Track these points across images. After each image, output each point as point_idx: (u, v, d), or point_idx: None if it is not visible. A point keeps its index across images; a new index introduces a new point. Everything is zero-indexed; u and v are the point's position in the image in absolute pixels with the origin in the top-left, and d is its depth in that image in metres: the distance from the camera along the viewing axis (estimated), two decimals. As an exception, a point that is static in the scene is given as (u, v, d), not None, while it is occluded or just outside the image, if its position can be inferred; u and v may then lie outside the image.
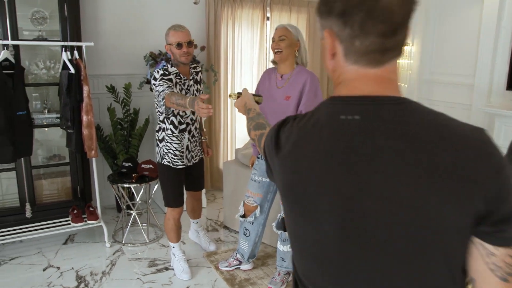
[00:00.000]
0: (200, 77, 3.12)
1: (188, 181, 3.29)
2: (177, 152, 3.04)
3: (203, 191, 3.93)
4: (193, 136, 3.11)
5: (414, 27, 4.50)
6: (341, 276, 0.90)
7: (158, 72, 2.86)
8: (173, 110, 2.92)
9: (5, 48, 3.31)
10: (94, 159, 3.66)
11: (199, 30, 4.76)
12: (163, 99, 2.67)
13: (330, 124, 0.88)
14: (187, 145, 3.08)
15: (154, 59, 4.33)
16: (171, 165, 3.05)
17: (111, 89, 4.21)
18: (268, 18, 5.17)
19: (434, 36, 4.44)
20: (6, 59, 3.24)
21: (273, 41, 2.83)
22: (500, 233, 0.79)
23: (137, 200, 3.87)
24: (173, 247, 3.29)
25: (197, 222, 3.68)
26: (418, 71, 4.50)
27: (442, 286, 0.83)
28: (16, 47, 3.48)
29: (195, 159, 3.20)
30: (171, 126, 3.00)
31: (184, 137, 3.04)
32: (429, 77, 4.48)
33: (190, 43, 2.88)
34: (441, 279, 0.83)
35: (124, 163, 3.86)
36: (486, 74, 4.29)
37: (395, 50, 0.85)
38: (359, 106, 0.85)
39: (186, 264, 3.26)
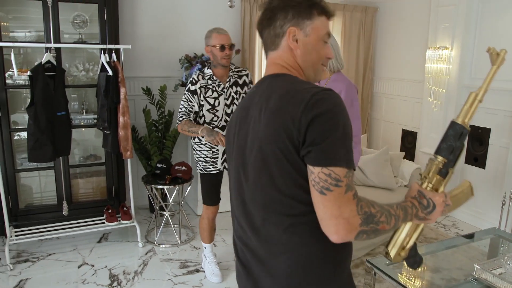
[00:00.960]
0: (244, 80, 3.07)
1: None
2: (207, 159, 3.06)
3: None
4: None
5: (453, 30, 4.37)
6: (232, 203, 1.36)
7: (192, 76, 2.98)
8: (203, 119, 3.00)
9: (48, 51, 3.41)
10: (128, 159, 3.72)
11: (234, 33, 4.78)
12: (178, 122, 3.00)
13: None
14: (223, 150, 3.06)
15: (189, 62, 4.37)
16: (204, 172, 3.08)
17: (147, 91, 4.27)
18: (303, 22, 5.12)
19: (475, 39, 4.30)
20: (48, 62, 3.34)
21: None
22: (310, 154, 1.06)
23: (170, 201, 3.91)
24: (205, 248, 3.29)
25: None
26: (458, 76, 4.36)
27: (291, 192, 1.13)
28: (57, 50, 3.58)
29: None
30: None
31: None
32: (469, 83, 4.33)
33: (232, 46, 2.91)
34: (288, 188, 1.13)
35: (158, 165, 3.91)
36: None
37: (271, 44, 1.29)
38: (258, 82, 1.31)
39: (217, 267, 3.26)
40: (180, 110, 2.99)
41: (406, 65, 5.22)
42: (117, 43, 3.81)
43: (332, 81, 2.71)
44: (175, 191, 3.86)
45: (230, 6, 4.16)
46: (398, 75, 5.35)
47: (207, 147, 3.04)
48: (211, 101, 2.96)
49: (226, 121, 3.03)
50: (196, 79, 2.96)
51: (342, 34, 5.32)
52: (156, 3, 4.45)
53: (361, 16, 5.43)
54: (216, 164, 3.08)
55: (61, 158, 3.71)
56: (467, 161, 4.48)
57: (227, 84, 3.01)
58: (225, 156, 3.05)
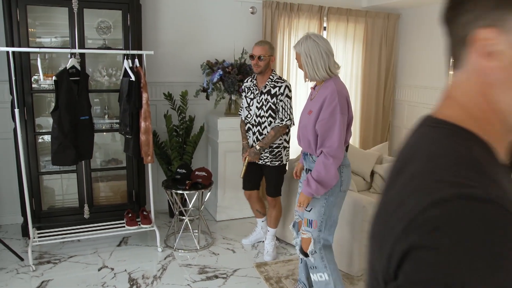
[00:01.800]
0: (276, 91, 3.36)
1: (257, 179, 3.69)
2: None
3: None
4: (257, 139, 3.47)
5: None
6: None
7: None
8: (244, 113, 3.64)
9: (72, 56, 3.48)
10: (149, 164, 3.75)
11: (256, 39, 4.77)
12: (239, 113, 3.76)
13: None
14: (252, 144, 3.53)
15: (211, 67, 4.39)
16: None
17: (168, 97, 4.31)
18: (325, 28, 5.11)
19: None
20: (73, 67, 3.40)
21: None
22: None
23: (190, 206, 3.92)
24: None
25: (263, 221, 3.87)
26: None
27: None
28: (82, 55, 3.65)
29: (263, 161, 3.49)
30: None
31: (249, 136, 3.56)
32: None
33: (259, 57, 3.31)
34: None
35: (178, 170, 3.92)
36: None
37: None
38: (414, 126, 0.80)
39: (267, 244, 3.66)
40: (242, 109, 3.68)
41: (429, 72, 5.14)
42: (140, 49, 3.85)
43: (323, 86, 2.59)
44: (195, 197, 3.87)
45: (252, 12, 4.18)
46: (421, 82, 5.28)
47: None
48: (248, 100, 3.52)
49: (255, 120, 3.45)
50: (246, 81, 3.60)
51: (364, 41, 5.28)
52: (178, 9, 4.49)
53: (383, 22, 5.38)
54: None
55: (83, 161, 3.76)
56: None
57: (262, 90, 3.40)
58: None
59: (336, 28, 5.16)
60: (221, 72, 4.18)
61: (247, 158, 3.45)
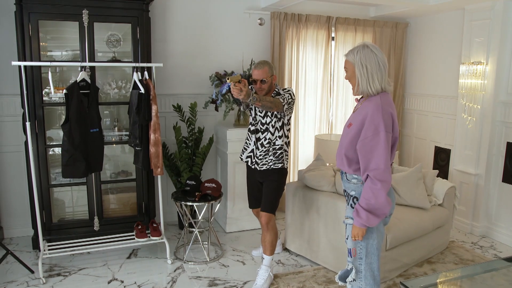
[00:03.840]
0: (281, 92, 3.31)
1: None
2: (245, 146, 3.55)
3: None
4: (262, 145, 3.35)
5: (488, 44, 4.26)
6: None
7: None
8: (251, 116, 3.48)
9: (82, 69, 3.51)
10: (159, 176, 3.75)
11: (264, 51, 4.82)
12: None
13: None
14: (252, 149, 3.41)
15: (220, 79, 4.41)
16: (240, 157, 3.56)
17: (177, 108, 4.33)
18: (333, 38, 5.12)
19: None
20: (83, 80, 3.43)
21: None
22: None
23: (199, 218, 3.91)
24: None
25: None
26: (493, 92, 4.23)
27: None
28: (92, 68, 3.68)
29: (261, 167, 3.37)
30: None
31: (252, 140, 3.42)
32: (506, 98, 4.20)
33: (262, 81, 3.25)
34: None
35: (188, 181, 3.92)
36: None
37: None
38: None
39: (259, 276, 3.34)
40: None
41: (438, 81, 5.11)
42: (149, 61, 3.88)
43: (367, 100, 2.36)
44: (205, 208, 3.85)
45: (260, 24, 4.20)
46: (430, 91, 5.24)
47: (247, 139, 3.54)
48: (252, 110, 3.42)
49: (260, 126, 3.35)
50: (251, 88, 3.44)
51: (372, 50, 5.27)
52: (187, 22, 4.53)
53: (392, 31, 5.37)
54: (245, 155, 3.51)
55: (93, 173, 3.78)
56: (504, 180, 4.32)
57: None
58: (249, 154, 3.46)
59: (344, 38, 5.17)
60: (229, 84, 4.19)
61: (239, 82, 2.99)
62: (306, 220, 3.72)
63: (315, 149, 4.93)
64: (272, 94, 3.33)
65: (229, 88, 4.17)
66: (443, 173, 4.96)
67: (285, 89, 3.35)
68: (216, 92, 4.32)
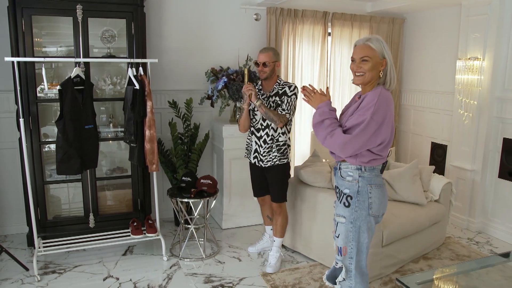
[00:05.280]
0: (284, 91, 3.37)
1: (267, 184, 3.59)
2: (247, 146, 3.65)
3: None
4: (265, 142, 3.42)
5: (485, 39, 4.25)
6: None
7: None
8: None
9: (77, 65, 3.48)
10: (154, 172, 3.73)
11: (260, 46, 4.78)
12: None
13: None
14: (256, 148, 3.48)
15: (215, 75, 4.38)
16: (245, 155, 3.69)
17: (173, 104, 4.30)
18: (329, 34, 5.10)
19: (508, 50, 4.16)
20: (77, 76, 3.40)
21: (352, 61, 2.30)
22: None
23: (195, 214, 3.90)
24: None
25: (272, 229, 3.78)
26: (490, 87, 4.22)
27: None
28: (86, 64, 3.65)
29: (266, 164, 3.45)
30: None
31: (252, 140, 3.51)
32: (502, 94, 4.19)
33: (264, 64, 3.32)
34: None
35: (183, 178, 3.90)
36: None
37: None
38: None
39: (271, 255, 3.59)
40: None
41: (435, 76, 5.10)
42: (144, 57, 3.85)
43: (370, 93, 2.26)
44: (200, 205, 3.84)
45: (256, 19, 4.17)
46: (427, 87, 5.23)
47: (247, 139, 3.65)
48: (253, 105, 3.43)
49: (261, 124, 3.41)
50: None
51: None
52: (182, 17, 4.50)
53: (388, 27, 5.35)
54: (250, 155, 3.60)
55: (88, 170, 3.75)
56: (500, 175, 4.32)
57: (270, 94, 3.40)
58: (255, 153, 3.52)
59: (341, 33, 5.15)
60: (225, 79, 4.17)
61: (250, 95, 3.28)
62: (302, 216, 3.71)
63: (311, 145, 4.91)
64: (275, 86, 3.39)
65: (225, 84, 4.16)
66: (440, 169, 4.96)
67: (290, 85, 3.38)
68: (212, 88, 4.30)
